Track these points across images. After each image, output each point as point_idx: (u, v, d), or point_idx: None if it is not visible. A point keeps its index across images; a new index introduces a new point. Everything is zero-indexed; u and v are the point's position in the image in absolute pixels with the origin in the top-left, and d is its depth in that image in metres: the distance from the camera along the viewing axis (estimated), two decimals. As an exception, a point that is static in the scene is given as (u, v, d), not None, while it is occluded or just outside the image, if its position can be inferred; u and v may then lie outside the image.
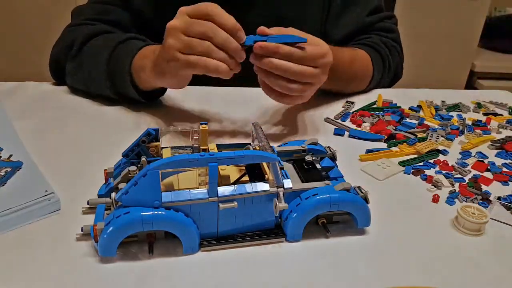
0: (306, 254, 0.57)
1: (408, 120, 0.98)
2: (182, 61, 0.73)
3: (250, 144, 0.69)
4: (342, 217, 0.62)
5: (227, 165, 0.62)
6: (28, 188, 0.64)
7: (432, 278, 0.54)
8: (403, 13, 2.33)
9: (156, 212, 0.54)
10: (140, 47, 0.91)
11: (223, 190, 0.56)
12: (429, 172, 0.77)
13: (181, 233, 0.55)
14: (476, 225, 0.60)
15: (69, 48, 1.00)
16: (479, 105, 1.07)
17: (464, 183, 0.73)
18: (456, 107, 1.06)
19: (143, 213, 0.53)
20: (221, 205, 0.55)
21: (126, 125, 0.89)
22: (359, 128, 0.93)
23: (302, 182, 0.62)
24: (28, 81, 1.06)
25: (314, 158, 0.67)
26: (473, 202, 0.68)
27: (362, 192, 0.61)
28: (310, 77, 0.76)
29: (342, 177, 0.66)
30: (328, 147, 0.70)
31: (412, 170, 0.76)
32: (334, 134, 0.90)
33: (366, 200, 0.60)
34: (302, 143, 0.69)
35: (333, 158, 0.69)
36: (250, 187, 0.56)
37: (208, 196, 0.55)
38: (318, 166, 0.67)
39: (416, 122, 0.97)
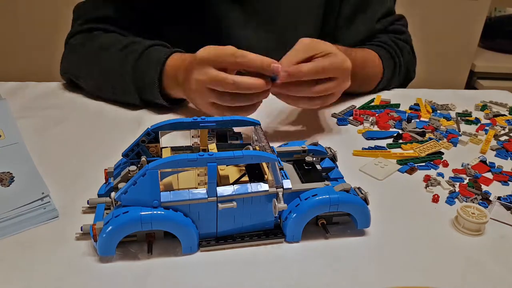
0: (306, 254, 0.57)
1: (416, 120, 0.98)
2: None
3: (250, 144, 0.68)
4: (342, 218, 0.61)
5: (227, 165, 0.62)
6: (25, 191, 0.63)
7: (432, 278, 0.54)
8: (403, 13, 2.32)
9: (155, 212, 0.53)
10: (167, 56, 0.91)
11: (222, 190, 0.55)
12: (429, 172, 0.76)
13: (180, 233, 0.55)
14: (476, 225, 0.60)
15: (80, 66, 1.01)
16: (483, 108, 1.06)
17: (464, 183, 0.73)
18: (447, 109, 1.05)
19: (142, 213, 0.53)
20: (220, 205, 0.55)
21: (126, 125, 0.89)
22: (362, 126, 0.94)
23: (302, 182, 0.61)
24: (28, 81, 1.06)
25: (314, 158, 0.67)
26: (473, 202, 0.67)
27: (362, 193, 0.60)
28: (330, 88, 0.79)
29: (343, 178, 0.66)
30: (329, 147, 0.70)
31: (406, 169, 0.76)
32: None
33: (366, 201, 0.59)
34: (303, 143, 0.69)
35: (333, 159, 0.69)
36: (250, 187, 0.56)
37: (207, 196, 0.55)
38: (318, 167, 0.66)
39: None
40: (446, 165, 0.79)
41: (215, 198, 0.55)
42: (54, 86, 1.06)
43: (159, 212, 0.53)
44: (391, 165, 0.78)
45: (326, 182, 0.60)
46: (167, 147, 0.67)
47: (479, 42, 2.52)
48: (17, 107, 0.93)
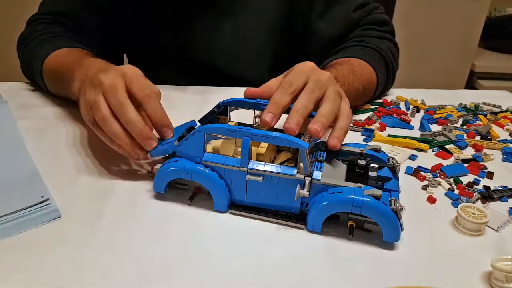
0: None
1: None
2: (83, 113, 0.66)
3: (302, 134, 0.64)
4: (375, 226, 0.58)
5: (277, 147, 0.65)
6: (25, 194, 0.61)
7: (432, 278, 0.53)
8: (403, 13, 2.28)
9: (196, 167, 0.60)
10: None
11: (253, 163, 0.58)
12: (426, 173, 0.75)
13: (213, 191, 0.60)
14: (476, 225, 0.60)
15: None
16: (476, 108, 1.05)
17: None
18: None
19: (186, 165, 0.60)
20: (248, 176, 0.58)
21: None
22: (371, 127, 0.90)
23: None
24: (28, 81, 1.02)
25: (369, 164, 0.61)
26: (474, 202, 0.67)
27: (394, 206, 0.55)
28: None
29: (397, 191, 0.59)
30: (392, 157, 0.64)
31: (412, 170, 0.75)
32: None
33: (396, 213, 0.55)
34: (364, 146, 0.65)
35: (393, 169, 0.62)
36: (278, 168, 0.58)
37: (239, 165, 0.58)
38: (373, 173, 0.60)
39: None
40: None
41: (246, 168, 0.58)
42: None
43: (199, 167, 0.60)
44: (403, 153, 0.79)
45: (359, 184, 0.56)
46: (234, 121, 0.68)
47: (479, 42, 2.49)
48: (17, 107, 0.89)
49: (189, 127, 0.66)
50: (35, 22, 0.99)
